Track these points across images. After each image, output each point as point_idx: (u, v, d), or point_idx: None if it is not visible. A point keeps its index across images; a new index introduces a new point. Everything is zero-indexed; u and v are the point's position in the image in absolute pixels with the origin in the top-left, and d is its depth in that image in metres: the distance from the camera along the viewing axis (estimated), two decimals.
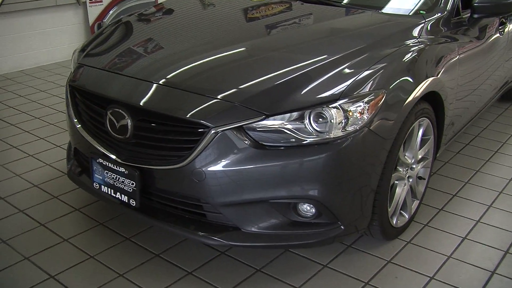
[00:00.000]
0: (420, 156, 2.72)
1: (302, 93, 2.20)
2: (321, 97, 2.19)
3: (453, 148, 3.78)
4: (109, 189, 2.44)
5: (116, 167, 2.37)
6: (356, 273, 2.48)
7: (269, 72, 2.34)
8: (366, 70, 2.31)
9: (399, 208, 2.64)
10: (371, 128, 2.21)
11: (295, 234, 2.29)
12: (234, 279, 2.43)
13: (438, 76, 2.65)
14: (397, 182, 2.61)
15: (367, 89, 2.24)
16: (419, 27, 2.75)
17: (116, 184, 2.40)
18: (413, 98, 2.41)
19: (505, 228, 2.85)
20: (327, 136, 2.14)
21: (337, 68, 2.32)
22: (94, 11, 6.10)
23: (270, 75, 2.31)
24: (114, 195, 2.43)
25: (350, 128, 2.17)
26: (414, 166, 2.71)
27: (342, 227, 2.28)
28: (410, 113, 2.44)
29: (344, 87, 2.21)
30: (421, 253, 2.63)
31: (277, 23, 3.01)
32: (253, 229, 2.27)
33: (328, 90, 2.21)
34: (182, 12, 3.35)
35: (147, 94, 2.33)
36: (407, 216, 2.75)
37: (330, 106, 2.15)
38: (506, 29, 3.67)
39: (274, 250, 2.60)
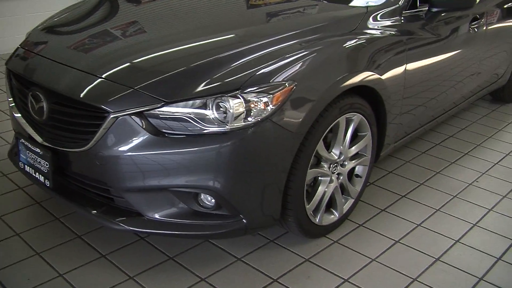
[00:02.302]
0: (352, 153, 2.61)
1: (206, 80, 2.14)
2: (223, 85, 2.12)
3: (420, 147, 3.62)
4: (30, 169, 2.47)
5: (34, 148, 2.40)
6: (268, 269, 2.41)
7: (176, 58, 2.30)
8: (280, 60, 2.23)
9: (324, 205, 2.54)
10: (275, 120, 2.13)
11: (197, 224, 2.25)
12: (142, 265, 2.41)
13: (375, 71, 2.53)
14: (321, 178, 2.51)
15: (275, 79, 2.16)
16: (359, 18, 2.62)
17: (35, 164, 2.42)
18: (334, 92, 2.31)
19: (445, 234, 2.71)
20: (227, 126, 2.08)
21: (249, 56, 2.25)
22: None
23: (176, 61, 2.27)
24: (35, 175, 2.45)
25: (251, 119, 2.09)
26: (345, 163, 2.61)
27: (244, 220, 2.22)
28: (331, 107, 2.34)
29: (250, 76, 2.14)
30: (345, 254, 2.53)
31: (199, 6, 2.95)
32: (155, 216, 2.24)
33: (232, 78, 2.14)
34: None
35: (60, 77, 2.35)
36: (337, 215, 2.65)
37: (230, 95, 2.08)
38: (482, 26, 3.46)
39: (194, 239, 2.56)
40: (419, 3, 2.90)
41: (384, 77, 2.60)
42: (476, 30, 3.40)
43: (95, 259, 2.44)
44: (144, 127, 2.10)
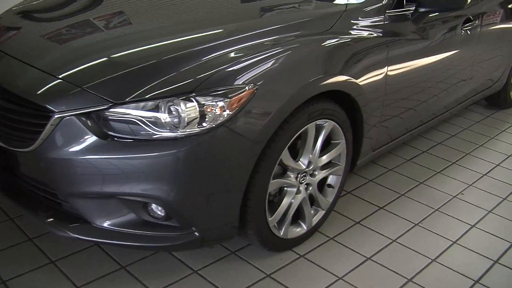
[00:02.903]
0: (323, 163, 2.43)
1: (159, 81, 1.96)
2: (176, 87, 1.94)
3: (405, 154, 3.44)
4: None
5: None
6: (224, 284, 2.24)
7: (134, 56, 2.12)
8: (242, 60, 2.05)
9: (289, 217, 2.37)
10: (232, 127, 1.95)
11: (147, 235, 2.08)
12: (92, 274, 2.25)
13: (350, 75, 2.34)
14: (287, 189, 2.34)
15: (235, 82, 1.98)
16: (335, 16, 2.44)
17: None
18: (301, 97, 2.13)
19: (421, 252, 2.53)
20: (178, 132, 1.91)
21: (209, 55, 2.07)
22: None
23: (133, 59, 2.09)
24: None
25: (206, 125, 1.92)
26: (315, 172, 2.43)
27: (196, 233, 2.05)
28: (298, 113, 2.16)
29: (206, 78, 1.96)
30: (310, 270, 2.37)
31: (175, 2, 2.77)
32: (104, 224, 2.08)
33: (187, 80, 1.96)
34: None
35: (10, 72, 2.18)
36: (305, 227, 2.48)
37: (183, 98, 1.91)
38: (475, 29, 3.26)
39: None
40: (406, 2, 2.71)
41: (361, 81, 2.42)
42: (469, 32, 3.20)
43: (43, 265, 2.29)
44: (91, 129, 1.93)
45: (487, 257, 2.53)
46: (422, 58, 2.83)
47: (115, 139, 1.94)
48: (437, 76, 3.04)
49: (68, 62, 2.14)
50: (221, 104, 1.93)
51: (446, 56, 3.05)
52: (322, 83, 2.21)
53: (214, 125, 1.92)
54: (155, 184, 1.94)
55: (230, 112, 1.94)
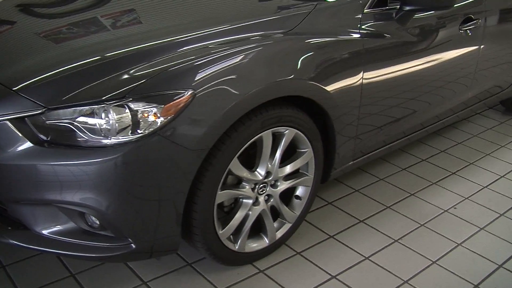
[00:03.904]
0: (285, 173, 2.27)
1: (95, 84, 1.86)
2: (109, 91, 1.83)
3: (401, 162, 3.22)
4: None
5: None
6: None
7: (67, 58, 2.02)
8: (183, 63, 1.91)
9: (246, 230, 2.23)
10: (166, 135, 1.82)
11: (86, 245, 1.99)
12: (40, 281, 2.18)
13: (314, 80, 2.17)
14: (243, 200, 2.20)
15: (171, 87, 1.85)
16: (300, 15, 2.26)
17: None
18: (249, 103, 1.98)
19: (395, 272, 2.34)
20: (111, 139, 1.81)
21: (149, 58, 1.95)
22: None
23: (67, 61, 1.98)
24: None
25: (139, 133, 1.81)
26: (278, 183, 2.28)
27: (133, 245, 1.94)
28: (249, 120, 2.01)
29: (141, 82, 1.84)
30: (267, 287, 2.22)
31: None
32: (44, 232, 2.01)
33: (122, 84, 1.85)
34: None
35: None
36: (267, 241, 2.33)
37: (116, 104, 1.80)
38: (479, 29, 3.00)
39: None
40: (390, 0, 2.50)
41: (329, 87, 2.24)
42: (469, 33, 2.94)
43: None
44: (24, 134, 1.85)
45: (467, 281, 2.30)
46: (407, 62, 2.61)
47: (48, 145, 1.85)
48: (428, 82, 2.80)
49: (1, 64, 2.06)
50: (155, 110, 1.81)
51: (440, 60, 2.80)
52: (277, 88, 2.05)
53: (147, 133, 1.81)
54: (88, 193, 1.85)
55: (165, 119, 1.82)
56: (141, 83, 1.84)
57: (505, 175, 3.16)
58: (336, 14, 2.35)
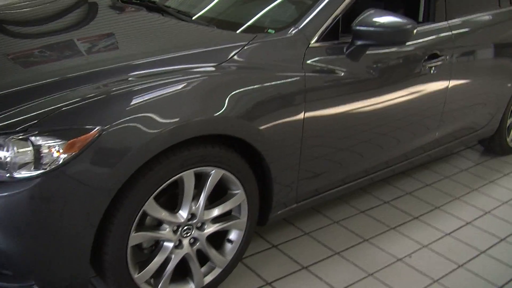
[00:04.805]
0: (212, 215, 2.12)
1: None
2: (11, 123, 1.72)
3: (360, 204, 3.03)
4: None
5: None
6: None
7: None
8: (92, 98, 1.79)
9: (167, 274, 2.07)
10: (70, 172, 1.69)
11: None
12: None
13: (245, 118, 2.02)
14: (164, 243, 2.05)
15: (78, 122, 1.73)
16: (234, 47, 2.13)
17: None
18: (165, 141, 1.84)
19: None
20: (12, 174, 1.68)
21: (60, 89, 1.84)
22: None
23: None
24: None
25: (41, 168, 1.68)
26: (205, 226, 2.13)
27: (35, 286, 1.80)
28: (166, 159, 1.88)
29: (46, 114, 1.72)
30: None
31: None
32: None
33: (25, 115, 1.73)
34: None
35: None
36: (193, 286, 2.17)
37: (18, 138, 1.68)
38: (446, 67, 2.84)
39: None
40: (341, 33, 2.37)
41: (263, 126, 2.09)
42: (434, 71, 2.78)
43: None
44: None
45: None
46: (359, 101, 2.45)
47: None
48: (385, 123, 2.64)
49: None
50: (58, 146, 1.68)
51: (398, 100, 2.64)
52: (197, 126, 1.91)
53: (49, 169, 1.68)
54: None
55: (69, 156, 1.69)
56: (47, 116, 1.72)
57: (472, 221, 2.96)
58: (276, 47, 2.22)
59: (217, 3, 2.61)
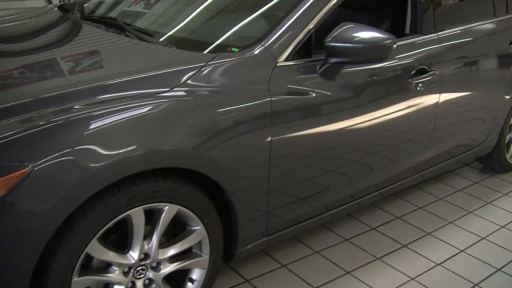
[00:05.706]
0: (168, 254, 1.92)
1: None
2: None
3: (344, 231, 2.82)
4: None
5: None
6: None
7: None
8: (29, 128, 1.61)
9: None
10: None
11: None
12: None
13: (199, 147, 1.82)
14: (114, 286, 1.85)
15: (6, 158, 1.55)
16: (189, 70, 1.93)
17: None
18: (106, 178, 1.65)
19: None
20: None
21: None
22: None
23: None
24: None
25: None
26: (161, 266, 1.93)
27: None
28: (110, 197, 1.68)
29: None
30: None
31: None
32: None
33: None
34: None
35: None
36: None
37: None
38: (434, 83, 2.63)
39: None
40: (313, 51, 2.16)
41: (222, 156, 1.89)
42: (422, 87, 2.57)
43: None
44: None
45: None
46: (335, 123, 2.24)
47: None
48: (366, 145, 2.43)
49: None
50: None
51: (380, 120, 2.43)
52: (143, 160, 1.71)
53: None
54: None
55: None
56: None
57: (465, 249, 2.74)
58: (239, 68, 2.01)
59: (180, 19, 2.41)
